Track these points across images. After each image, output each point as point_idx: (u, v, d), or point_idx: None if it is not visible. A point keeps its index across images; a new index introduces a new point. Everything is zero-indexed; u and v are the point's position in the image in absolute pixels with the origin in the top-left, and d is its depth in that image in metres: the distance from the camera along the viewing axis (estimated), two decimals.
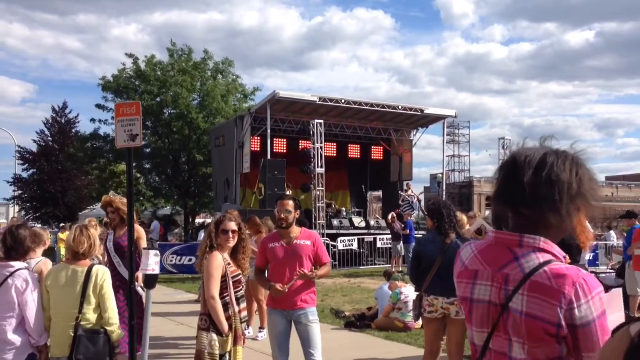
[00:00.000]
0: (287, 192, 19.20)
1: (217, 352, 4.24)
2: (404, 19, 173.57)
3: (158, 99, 29.46)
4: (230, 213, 5.07)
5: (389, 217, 17.71)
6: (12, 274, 3.98)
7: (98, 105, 30.97)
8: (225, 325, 4.30)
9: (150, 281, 5.30)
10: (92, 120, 31.44)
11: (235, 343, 4.42)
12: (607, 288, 10.32)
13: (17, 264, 4.06)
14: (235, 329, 4.42)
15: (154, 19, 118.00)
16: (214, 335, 4.27)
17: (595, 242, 13.90)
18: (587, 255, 8.58)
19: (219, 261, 4.40)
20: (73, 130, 39.87)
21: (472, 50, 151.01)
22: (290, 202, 5.01)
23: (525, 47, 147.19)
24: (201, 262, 4.52)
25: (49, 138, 39.81)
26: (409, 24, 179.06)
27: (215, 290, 4.31)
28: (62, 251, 15.73)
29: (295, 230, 5.01)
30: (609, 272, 10.65)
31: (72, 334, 3.99)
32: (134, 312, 4.84)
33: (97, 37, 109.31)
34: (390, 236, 18.18)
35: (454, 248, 5.09)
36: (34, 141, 39.73)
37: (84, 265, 4.12)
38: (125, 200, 6.32)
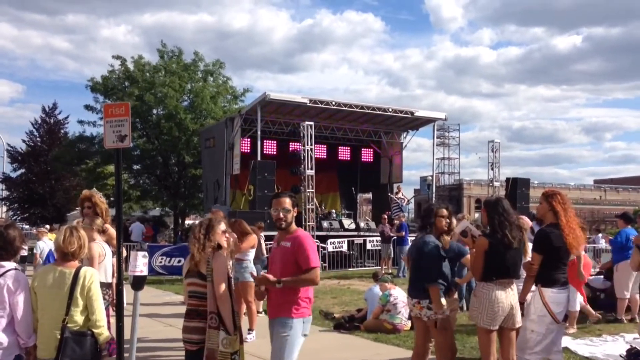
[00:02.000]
0: None
1: (229, 350, 4.21)
2: (394, 22, 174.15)
3: (146, 100, 29.30)
4: (216, 214, 5.02)
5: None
6: (3, 274, 3.95)
7: (87, 107, 30.81)
8: (232, 325, 4.29)
9: (138, 283, 5.27)
10: (81, 122, 31.29)
11: (240, 341, 4.39)
12: (595, 291, 10.37)
13: (7, 264, 4.03)
14: (240, 328, 4.40)
15: (144, 20, 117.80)
16: (224, 334, 4.22)
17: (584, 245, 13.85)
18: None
19: (226, 260, 4.41)
20: (62, 132, 39.64)
21: (462, 54, 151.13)
22: (288, 200, 4.48)
23: (514, 51, 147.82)
24: (199, 261, 4.43)
25: (38, 139, 39.57)
26: (399, 27, 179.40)
27: (227, 288, 4.29)
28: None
29: (291, 231, 4.50)
30: (597, 275, 10.68)
31: (59, 336, 3.95)
32: (121, 314, 4.80)
33: (86, 37, 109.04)
34: (379, 238, 18.22)
35: (419, 251, 5.37)
36: (23, 141, 39.53)
37: (71, 267, 4.09)
38: (104, 198, 6.36)
